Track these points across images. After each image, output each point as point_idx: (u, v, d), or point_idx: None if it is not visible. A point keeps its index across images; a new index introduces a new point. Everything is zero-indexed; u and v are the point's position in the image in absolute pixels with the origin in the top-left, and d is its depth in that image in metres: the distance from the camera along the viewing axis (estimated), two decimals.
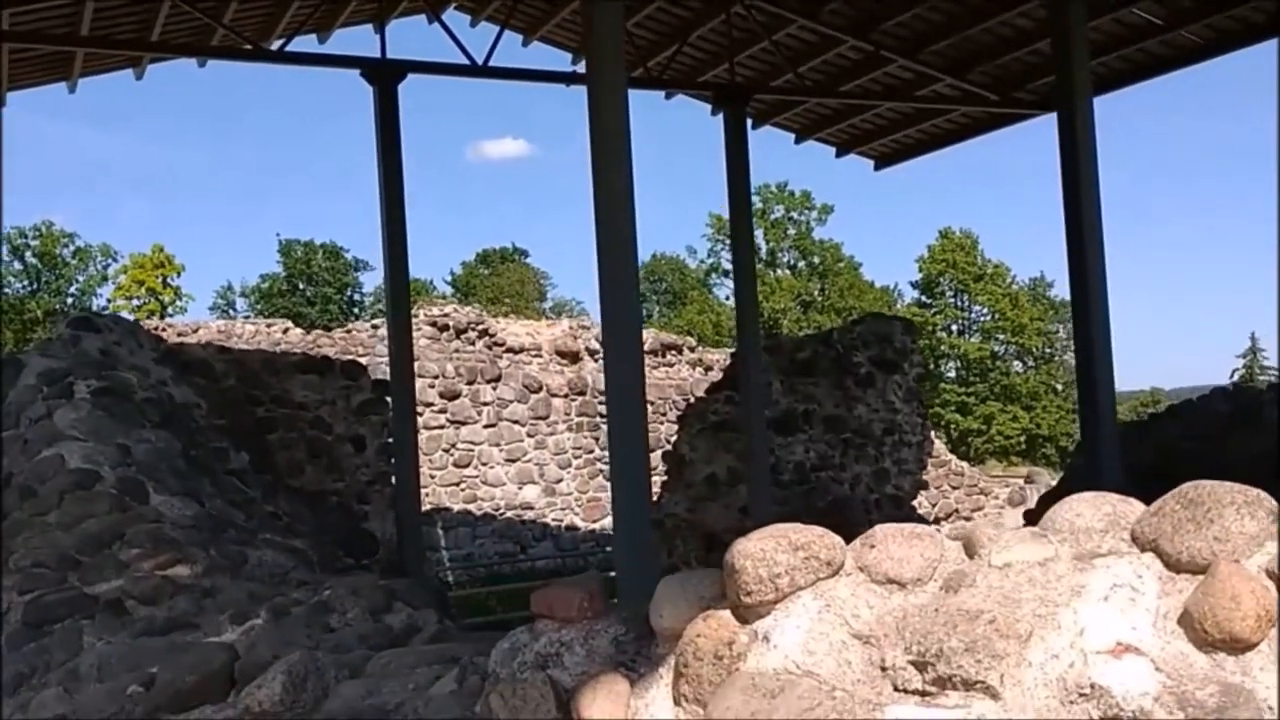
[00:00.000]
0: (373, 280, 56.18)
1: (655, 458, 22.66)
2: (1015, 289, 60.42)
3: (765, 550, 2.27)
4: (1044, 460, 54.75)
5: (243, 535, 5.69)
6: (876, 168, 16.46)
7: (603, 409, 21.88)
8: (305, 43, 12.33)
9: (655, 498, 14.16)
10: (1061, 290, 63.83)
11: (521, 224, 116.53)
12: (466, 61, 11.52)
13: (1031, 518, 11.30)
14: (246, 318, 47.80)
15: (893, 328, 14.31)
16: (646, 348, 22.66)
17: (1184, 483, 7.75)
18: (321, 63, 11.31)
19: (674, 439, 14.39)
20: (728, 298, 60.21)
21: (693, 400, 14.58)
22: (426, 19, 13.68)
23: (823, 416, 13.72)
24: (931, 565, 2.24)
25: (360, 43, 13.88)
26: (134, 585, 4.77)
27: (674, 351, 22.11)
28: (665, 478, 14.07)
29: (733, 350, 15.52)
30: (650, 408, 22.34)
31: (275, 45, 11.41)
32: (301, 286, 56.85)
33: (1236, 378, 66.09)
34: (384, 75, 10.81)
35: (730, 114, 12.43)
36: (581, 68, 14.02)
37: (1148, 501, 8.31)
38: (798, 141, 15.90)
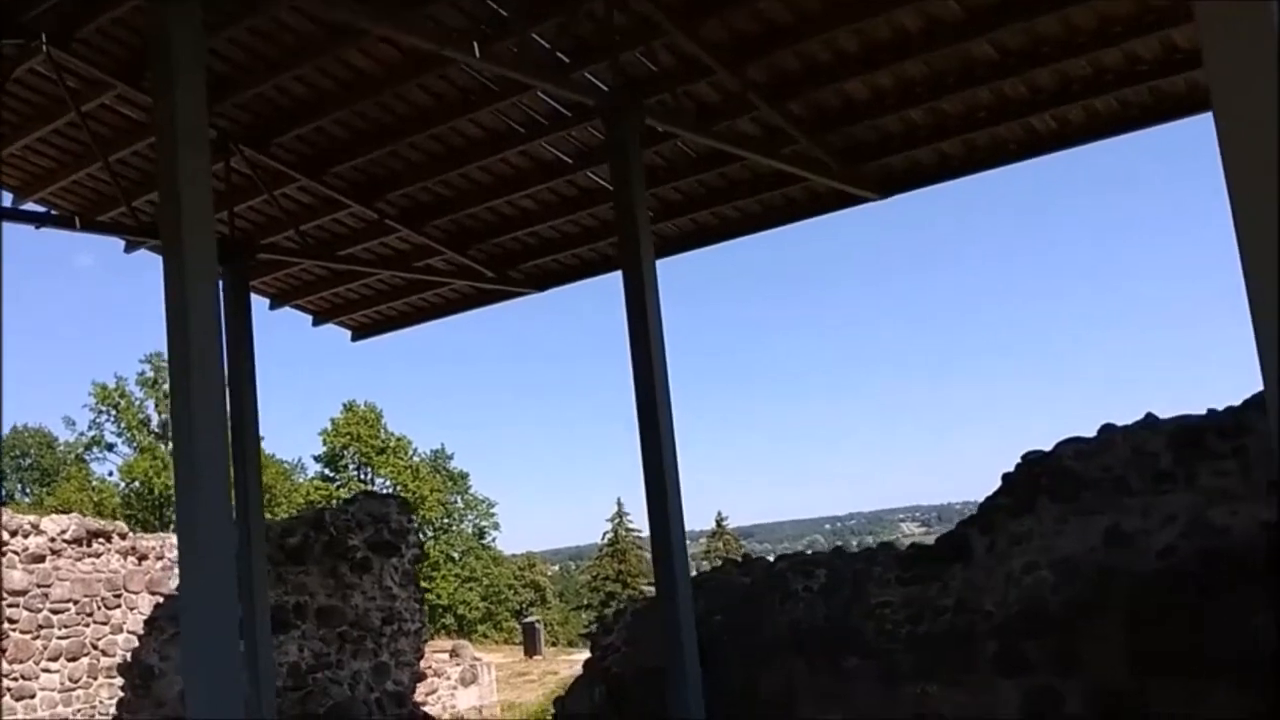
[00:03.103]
0: None
1: (79, 666, 18.97)
2: (417, 461, 61.51)
3: None
4: (444, 630, 55.20)
5: None
6: (354, 338, 15.67)
7: None
8: None
9: None
10: (460, 462, 66.27)
11: None
12: None
13: (565, 704, 10.90)
14: None
15: (389, 506, 13.41)
16: (68, 536, 19.14)
17: (732, 653, 7.73)
18: None
19: (135, 648, 12.02)
20: (110, 474, 54.19)
21: (161, 600, 12.36)
22: None
23: (316, 609, 12.32)
24: None
25: None
26: None
27: (101, 539, 18.86)
28: (124, 695, 11.62)
29: None
30: (74, 606, 18.75)
31: None
32: None
33: (607, 539, 72.77)
34: None
35: (231, 270, 11.03)
36: (27, 206, 11.84)
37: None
38: (273, 308, 14.66)
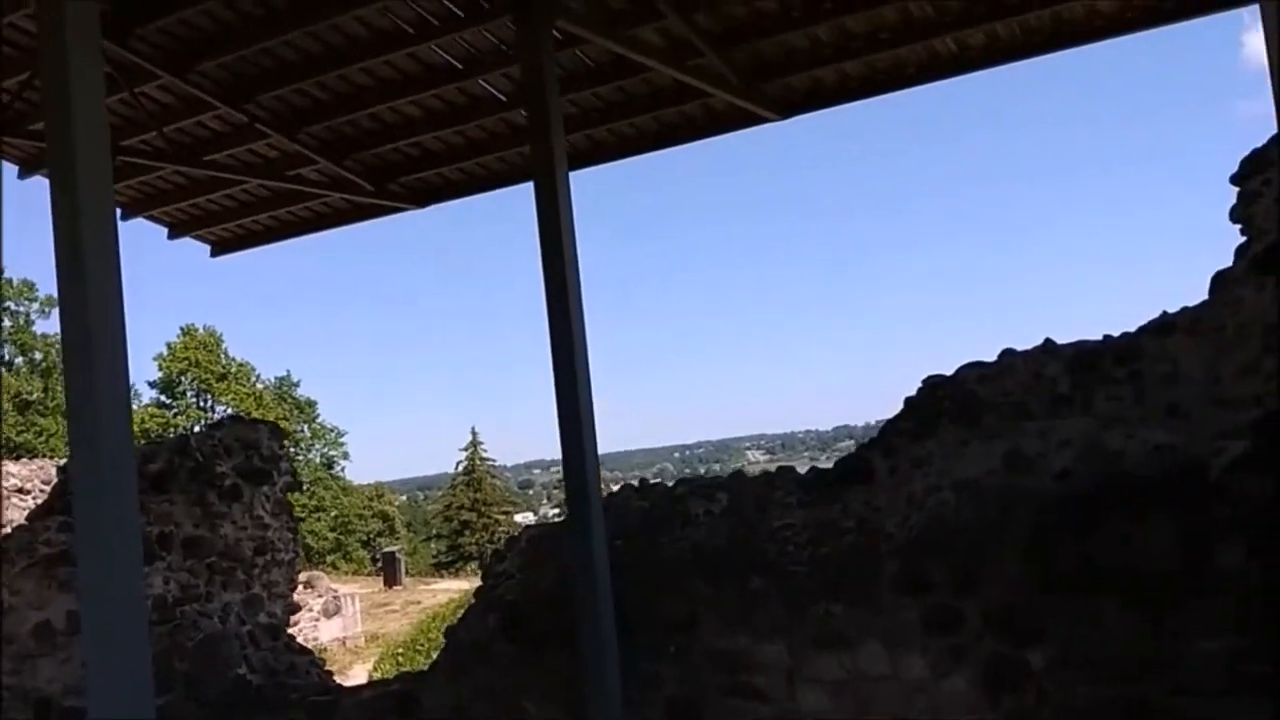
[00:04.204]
0: None
1: None
2: (260, 388, 59.45)
3: None
4: None
5: None
6: (214, 253, 14.72)
7: None
8: None
9: None
10: (307, 389, 64.31)
11: None
12: None
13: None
14: None
15: (259, 432, 12.65)
16: None
17: (632, 578, 7.55)
18: None
19: None
20: None
21: (9, 530, 11.42)
22: None
23: (183, 539, 11.60)
24: None
25: None
26: None
27: None
28: None
29: (59, 462, 12.58)
30: None
31: None
32: None
33: (462, 468, 72.14)
34: None
35: None
36: None
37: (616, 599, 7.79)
38: (124, 218, 13.59)
